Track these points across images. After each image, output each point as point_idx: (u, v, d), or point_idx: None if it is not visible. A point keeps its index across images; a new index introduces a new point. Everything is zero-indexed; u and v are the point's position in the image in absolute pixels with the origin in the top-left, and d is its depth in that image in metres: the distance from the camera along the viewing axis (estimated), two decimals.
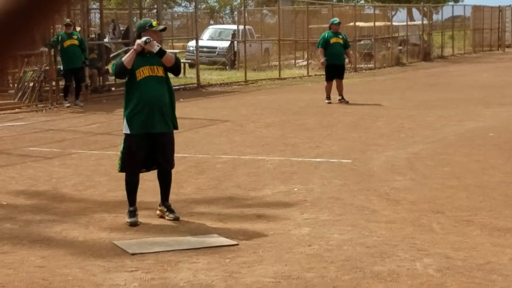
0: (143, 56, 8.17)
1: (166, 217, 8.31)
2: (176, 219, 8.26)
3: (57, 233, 7.88)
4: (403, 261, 6.74)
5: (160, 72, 8.24)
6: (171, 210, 8.34)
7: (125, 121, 8.23)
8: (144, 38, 8.10)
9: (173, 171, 8.54)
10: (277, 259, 6.84)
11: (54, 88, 20.51)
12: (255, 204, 9.04)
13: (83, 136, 15.10)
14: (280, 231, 7.80)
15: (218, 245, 7.33)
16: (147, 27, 8.25)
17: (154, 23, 8.38)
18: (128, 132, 8.19)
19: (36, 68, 20.43)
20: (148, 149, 8.21)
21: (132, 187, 8.27)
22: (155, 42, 8.18)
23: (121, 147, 8.35)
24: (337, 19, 21.47)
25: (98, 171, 11.25)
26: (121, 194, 9.46)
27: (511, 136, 14.13)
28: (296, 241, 7.43)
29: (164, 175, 8.39)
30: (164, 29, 9.12)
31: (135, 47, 8.15)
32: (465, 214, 8.44)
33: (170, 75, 8.46)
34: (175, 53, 31.15)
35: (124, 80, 8.50)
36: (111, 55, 8.06)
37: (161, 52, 8.19)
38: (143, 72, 8.17)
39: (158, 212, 8.42)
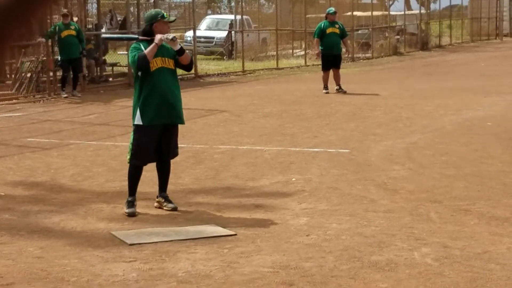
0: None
1: (164, 208, 8.31)
2: (174, 209, 8.27)
3: (55, 223, 7.88)
4: (401, 250, 6.75)
5: (171, 64, 8.25)
6: (168, 200, 8.34)
7: (138, 111, 8.15)
8: (170, 36, 8.05)
9: (172, 160, 8.53)
10: (275, 249, 6.84)
11: (51, 78, 20.49)
12: (253, 194, 9.05)
13: (80, 126, 15.09)
14: (278, 221, 7.81)
15: (216, 235, 7.34)
16: (159, 18, 8.22)
17: (166, 14, 8.38)
18: (141, 123, 8.14)
19: (33, 58, 20.39)
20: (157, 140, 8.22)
21: (135, 178, 8.25)
22: (176, 39, 8.17)
23: (131, 138, 8.28)
24: (333, 8, 21.45)
25: (96, 162, 11.25)
26: (119, 184, 9.46)
27: (509, 125, 14.14)
28: (294, 231, 7.43)
29: (164, 165, 8.39)
30: (174, 20, 9.19)
31: (157, 41, 8.06)
32: (463, 203, 8.45)
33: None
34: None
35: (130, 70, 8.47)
36: (104, 36, 7.98)
37: (181, 50, 8.18)
38: (156, 63, 8.16)
39: (156, 203, 8.41)
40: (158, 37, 8.10)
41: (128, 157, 8.30)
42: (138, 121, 8.14)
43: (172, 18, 8.62)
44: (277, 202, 8.67)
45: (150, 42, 8.16)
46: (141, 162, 8.24)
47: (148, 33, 8.26)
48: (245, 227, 7.57)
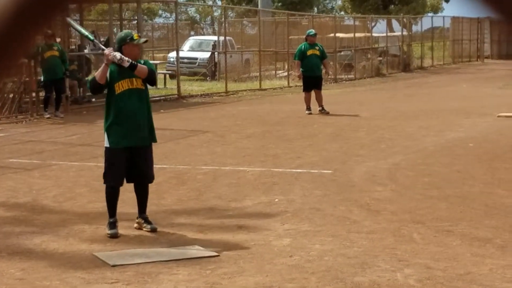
0: (121, 68, 8.12)
1: (144, 229, 8.29)
2: (154, 230, 8.24)
3: (37, 245, 7.83)
4: (384, 271, 6.75)
5: (139, 84, 8.21)
6: (148, 222, 8.32)
7: (105, 134, 8.22)
8: (117, 57, 7.98)
9: (154, 182, 8.53)
10: (258, 270, 6.83)
11: (34, 99, 20.44)
12: (236, 215, 9.04)
13: (63, 147, 15.04)
14: (261, 242, 7.80)
15: (199, 256, 7.32)
16: (128, 40, 8.18)
17: (135, 35, 8.30)
18: (108, 145, 8.18)
19: (15, 79, 20.33)
20: (128, 163, 8.19)
21: (112, 199, 8.24)
22: (124, 57, 8.04)
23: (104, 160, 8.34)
24: (313, 30, 21.59)
25: (79, 183, 11.21)
26: (101, 205, 9.42)
27: (490, 146, 14.21)
28: (277, 252, 7.43)
29: (142, 188, 8.38)
30: (145, 42, 9.10)
31: (105, 61, 8.07)
32: (446, 224, 8.47)
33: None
34: (156, 64, 31.15)
35: (104, 92, 8.44)
36: (74, 26, 7.93)
37: (132, 66, 8.04)
38: (122, 86, 8.13)
39: (135, 224, 8.39)
40: (105, 57, 8.04)
41: (103, 177, 8.32)
42: (106, 143, 8.23)
43: (142, 40, 8.51)
44: (260, 223, 8.66)
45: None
46: (113, 183, 8.22)
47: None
48: (228, 248, 7.55)
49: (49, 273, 6.84)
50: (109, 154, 8.20)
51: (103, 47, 8.83)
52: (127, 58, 8.02)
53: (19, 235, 8.20)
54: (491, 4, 0.99)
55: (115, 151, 8.13)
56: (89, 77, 8.30)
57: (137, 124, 8.14)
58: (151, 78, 8.25)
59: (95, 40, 9.10)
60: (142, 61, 8.37)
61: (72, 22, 9.43)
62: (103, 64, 8.13)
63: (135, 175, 8.26)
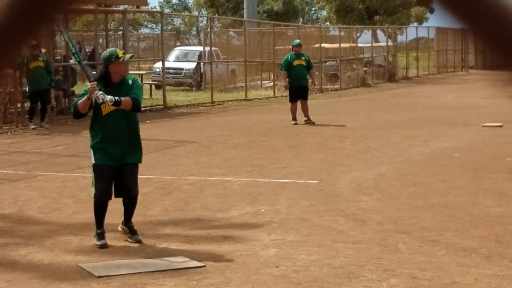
0: (108, 89, 8.10)
1: (129, 239, 8.28)
2: (139, 241, 8.23)
3: (22, 256, 7.80)
4: (370, 281, 6.76)
5: None
6: (133, 232, 8.31)
7: (91, 150, 8.22)
8: (100, 99, 7.90)
9: (140, 192, 8.53)
10: (244, 281, 6.82)
11: (19, 110, 20.38)
12: (222, 226, 9.03)
13: (48, 158, 15.00)
14: (247, 252, 7.80)
15: (185, 267, 7.31)
16: (113, 59, 8.14)
17: (120, 53, 8.23)
18: (94, 161, 8.19)
19: (0, 90, 20.26)
20: (114, 178, 8.20)
21: (100, 212, 8.23)
22: (106, 97, 7.93)
23: (92, 174, 8.32)
24: (298, 40, 21.70)
25: (64, 193, 11.18)
26: (87, 216, 9.40)
27: (476, 156, 14.27)
28: (263, 262, 7.43)
29: (128, 201, 8.37)
30: (131, 57, 9.06)
31: (88, 95, 8.00)
32: (431, 234, 8.50)
33: None
34: (142, 75, 31.13)
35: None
36: (68, 40, 7.93)
37: (117, 103, 7.98)
38: (109, 107, 8.12)
39: (120, 228, 8.39)
40: (89, 92, 8.00)
41: (92, 191, 8.30)
42: (92, 159, 8.25)
43: (127, 57, 8.45)
44: (246, 233, 8.66)
45: (104, 79, 8.12)
46: (101, 197, 8.20)
47: (105, 75, 8.22)
48: (214, 259, 7.55)
49: (34, 284, 6.81)
50: (95, 169, 8.23)
51: (88, 73, 8.82)
52: (109, 98, 7.93)
53: (4, 246, 8.16)
54: (458, 16, 1.01)
55: (101, 167, 8.14)
56: (72, 102, 8.25)
57: (122, 145, 8.15)
58: (135, 107, 8.17)
59: (81, 62, 9.06)
60: (130, 80, 8.30)
61: (66, 36, 9.45)
62: (85, 97, 8.05)
63: (121, 190, 8.26)
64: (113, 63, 8.14)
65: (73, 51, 9.00)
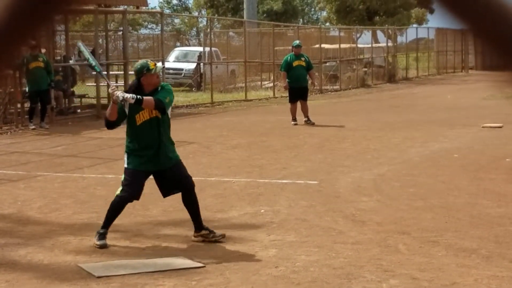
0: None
1: (212, 239, 8.27)
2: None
3: (21, 256, 7.80)
4: (370, 282, 6.76)
5: (155, 113, 8.22)
6: (210, 230, 8.34)
7: (125, 155, 8.26)
8: (119, 98, 7.99)
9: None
10: (244, 281, 6.82)
11: (19, 110, 20.38)
12: (221, 226, 9.03)
13: (48, 158, 15.00)
14: (247, 253, 7.80)
15: (185, 267, 7.31)
16: (145, 72, 8.18)
17: (151, 65, 8.27)
18: (126, 166, 8.21)
19: (0, 90, 20.26)
20: (157, 180, 8.29)
21: (116, 210, 8.19)
22: (127, 95, 8.02)
23: (122, 177, 8.27)
24: (297, 41, 21.71)
25: (64, 194, 11.18)
26: (87, 216, 9.40)
27: (475, 157, 14.27)
28: (263, 263, 7.43)
29: (188, 196, 8.37)
30: (162, 68, 9.18)
31: (113, 101, 8.12)
32: (431, 235, 8.49)
33: None
34: None
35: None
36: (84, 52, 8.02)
37: (138, 101, 8.03)
38: (143, 116, 8.19)
39: (199, 238, 8.34)
40: (112, 97, 8.12)
41: (119, 190, 8.21)
42: (125, 163, 8.25)
43: (159, 68, 8.49)
44: (245, 233, 8.66)
45: (136, 90, 8.15)
46: (127, 194, 8.14)
47: (137, 87, 8.24)
48: (213, 259, 7.55)
49: (34, 284, 6.81)
50: (127, 172, 8.19)
51: (109, 82, 8.87)
52: (130, 96, 8.00)
53: (3, 247, 8.16)
54: (459, 16, 1.01)
55: (132, 171, 8.16)
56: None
57: (153, 154, 8.18)
58: (159, 107, 8.17)
59: (101, 73, 9.20)
60: (159, 87, 8.34)
61: (82, 48, 9.55)
62: (111, 103, 8.18)
63: (178, 187, 8.31)
64: (145, 75, 8.20)
65: (93, 64, 9.07)
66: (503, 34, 0.99)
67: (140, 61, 8.73)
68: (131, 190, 8.14)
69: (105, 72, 8.93)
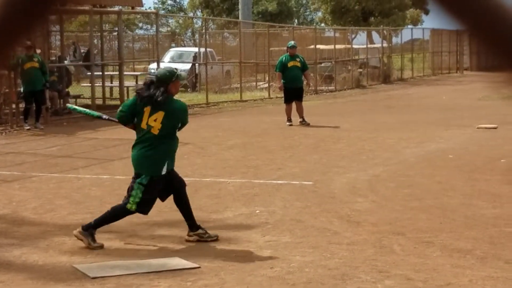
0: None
1: (208, 239, 8.30)
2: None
3: (16, 257, 7.79)
4: (365, 283, 6.76)
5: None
6: (206, 231, 8.37)
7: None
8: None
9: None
10: (239, 282, 6.82)
11: (14, 110, 20.35)
12: (216, 227, 9.02)
13: (43, 159, 14.98)
14: (242, 254, 7.79)
15: (180, 268, 7.30)
16: (174, 80, 8.26)
17: (178, 72, 8.43)
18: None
19: None
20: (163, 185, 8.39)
21: (120, 218, 8.24)
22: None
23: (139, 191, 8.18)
24: (292, 42, 21.69)
25: (59, 194, 11.16)
26: (82, 217, 9.38)
27: (470, 157, 14.28)
28: (258, 264, 7.42)
29: (180, 197, 8.42)
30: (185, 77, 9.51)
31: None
32: (426, 235, 8.50)
33: None
34: (137, 76, 31.12)
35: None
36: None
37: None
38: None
39: (188, 238, 8.36)
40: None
41: (134, 205, 8.14)
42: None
43: (183, 74, 8.81)
44: (240, 234, 8.66)
45: (164, 93, 8.19)
46: (145, 212, 8.28)
47: (163, 92, 8.26)
48: (208, 260, 7.54)
49: (28, 285, 6.80)
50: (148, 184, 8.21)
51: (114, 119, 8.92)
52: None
53: None
54: (455, 16, 1.01)
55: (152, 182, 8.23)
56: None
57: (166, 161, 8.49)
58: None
59: (109, 118, 9.33)
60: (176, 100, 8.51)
61: (79, 109, 9.80)
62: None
63: (169, 189, 8.42)
64: (173, 82, 8.26)
65: (95, 115, 9.39)
66: (501, 34, 0.99)
67: (167, 68, 8.82)
68: (147, 209, 8.28)
69: (106, 117, 9.12)
